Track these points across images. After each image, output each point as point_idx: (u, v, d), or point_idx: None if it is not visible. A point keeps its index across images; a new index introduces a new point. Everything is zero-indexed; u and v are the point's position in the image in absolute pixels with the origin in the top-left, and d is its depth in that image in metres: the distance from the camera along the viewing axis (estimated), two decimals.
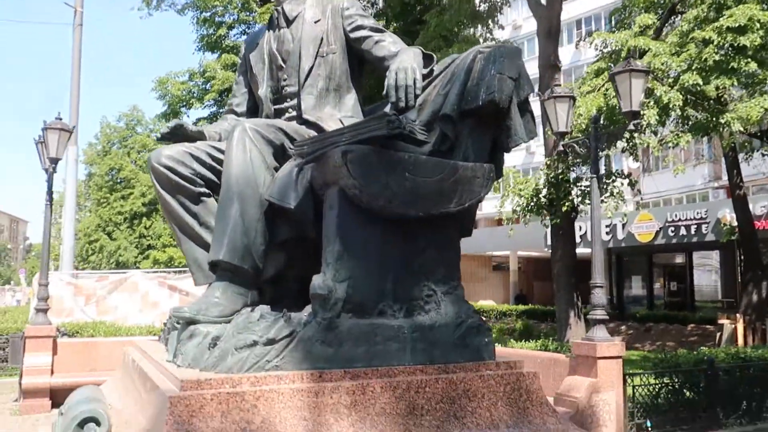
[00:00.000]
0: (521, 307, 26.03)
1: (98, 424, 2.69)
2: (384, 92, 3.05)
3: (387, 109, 3.12)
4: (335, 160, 2.69)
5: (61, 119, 9.97)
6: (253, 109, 3.85)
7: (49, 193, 10.37)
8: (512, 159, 36.91)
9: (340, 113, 3.57)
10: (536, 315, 23.68)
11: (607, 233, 24.97)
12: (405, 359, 2.76)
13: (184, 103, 18.18)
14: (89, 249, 37.02)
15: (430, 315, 2.90)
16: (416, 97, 3.06)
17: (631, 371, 9.06)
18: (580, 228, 25.33)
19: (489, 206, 25.85)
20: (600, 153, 11.52)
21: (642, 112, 9.87)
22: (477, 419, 2.74)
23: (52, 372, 9.85)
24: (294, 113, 3.59)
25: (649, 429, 8.38)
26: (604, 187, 11.68)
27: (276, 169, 3.11)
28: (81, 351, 9.95)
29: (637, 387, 8.53)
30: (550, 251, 13.46)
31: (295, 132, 3.27)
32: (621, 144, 12.38)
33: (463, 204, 2.87)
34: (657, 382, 8.55)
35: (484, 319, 3.04)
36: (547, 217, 12.51)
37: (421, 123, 3.09)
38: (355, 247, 2.79)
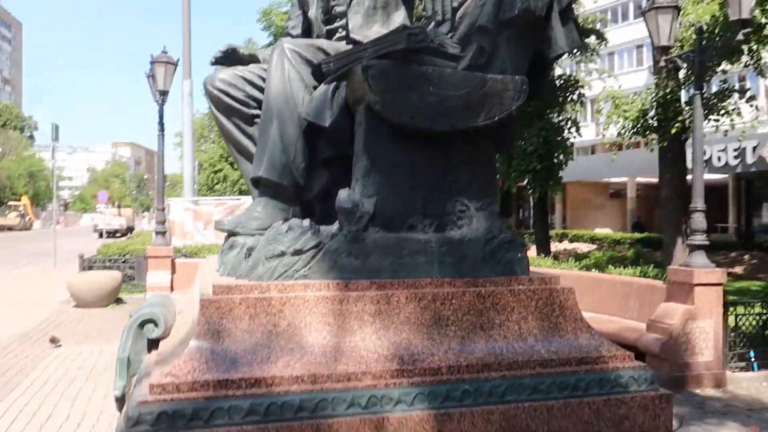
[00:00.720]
0: (637, 235, 25.07)
1: (156, 324, 2.99)
2: (422, 6, 3.02)
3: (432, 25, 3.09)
4: (358, 75, 2.72)
5: (166, 53, 10.55)
6: (308, 31, 3.90)
7: (160, 123, 11.13)
8: (633, 80, 34.75)
9: (388, 31, 3.55)
10: (651, 243, 22.74)
11: (735, 157, 23.26)
12: (432, 272, 2.81)
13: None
14: (214, 178, 39.23)
15: (461, 230, 2.92)
16: (454, 10, 3.01)
17: (735, 299, 8.63)
18: (705, 152, 23.71)
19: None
20: (716, 69, 10.68)
21: (762, 21, 8.97)
22: (504, 332, 2.77)
23: (171, 288, 10.83)
24: (343, 33, 3.62)
25: (752, 359, 8.01)
26: (718, 104, 10.82)
27: (315, 89, 3.18)
28: (197, 270, 10.78)
29: (740, 316, 8.14)
30: (658, 175, 12.79)
31: (335, 51, 3.30)
32: (744, 58, 11.36)
33: (492, 118, 2.82)
34: (764, 311, 8.11)
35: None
36: (655, 140, 11.82)
37: (459, 36, 3.03)
38: (383, 163, 2.84)
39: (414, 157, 2.90)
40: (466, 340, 2.71)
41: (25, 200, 62.76)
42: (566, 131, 17.20)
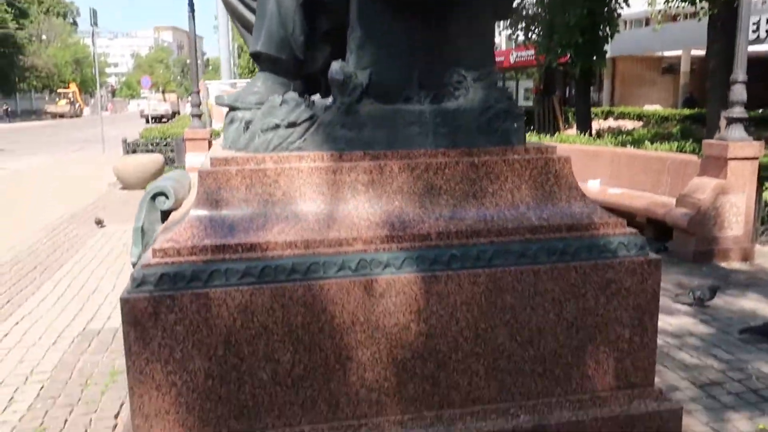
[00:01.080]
0: (686, 111, 24.12)
1: (167, 197, 3.15)
2: None
3: None
4: None
5: None
6: None
7: (190, 4, 11.00)
8: None
9: None
10: (702, 119, 21.91)
11: None
12: (427, 143, 2.85)
13: None
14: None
15: (458, 101, 2.92)
16: None
17: None
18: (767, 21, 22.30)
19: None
20: None
21: None
22: (497, 200, 2.83)
23: None
24: None
25: None
26: None
27: None
28: None
29: None
30: (706, 46, 12.13)
31: None
32: None
33: None
34: None
35: (515, 104, 2.98)
36: (704, 9, 11.12)
37: None
38: (378, 34, 2.82)
39: (410, 27, 2.86)
40: (457, 208, 2.78)
41: (73, 87, 63.66)
42: (613, 1, 16.31)
